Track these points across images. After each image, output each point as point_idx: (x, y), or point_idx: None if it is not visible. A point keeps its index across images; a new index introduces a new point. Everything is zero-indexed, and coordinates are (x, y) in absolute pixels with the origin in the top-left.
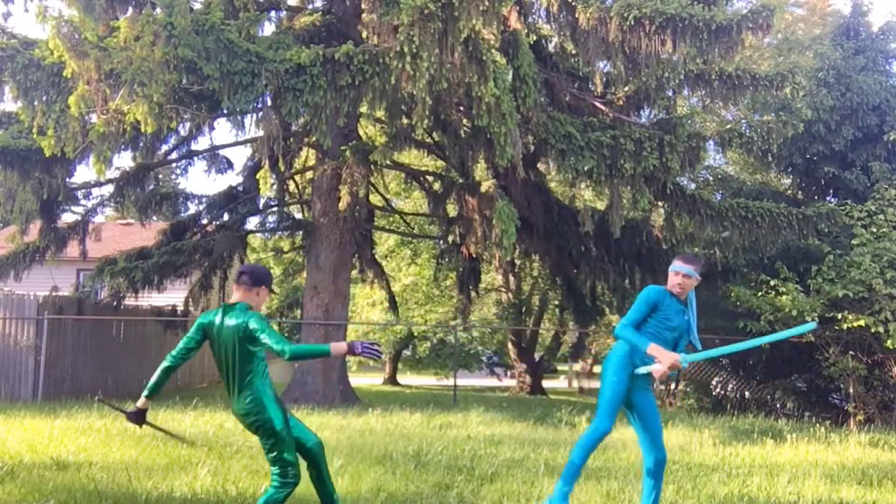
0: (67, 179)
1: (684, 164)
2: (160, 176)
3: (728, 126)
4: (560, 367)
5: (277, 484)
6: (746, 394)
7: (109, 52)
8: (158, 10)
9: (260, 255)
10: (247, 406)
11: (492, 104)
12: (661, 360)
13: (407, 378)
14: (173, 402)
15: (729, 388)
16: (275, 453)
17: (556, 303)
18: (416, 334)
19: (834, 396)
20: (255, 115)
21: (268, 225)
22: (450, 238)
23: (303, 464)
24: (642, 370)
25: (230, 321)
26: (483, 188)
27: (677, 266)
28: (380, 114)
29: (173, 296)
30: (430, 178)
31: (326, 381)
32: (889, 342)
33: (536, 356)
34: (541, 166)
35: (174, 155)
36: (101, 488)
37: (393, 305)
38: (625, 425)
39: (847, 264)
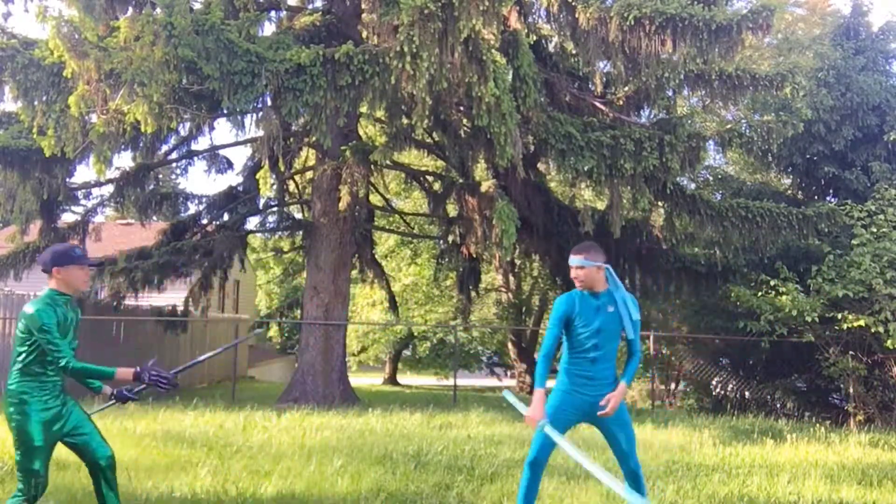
0: (67, 179)
1: (684, 164)
2: (160, 176)
3: (728, 126)
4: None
5: (18, 490)
6: (746, 394)
7: (109, 52)
8: (158, 10)
9: (260, 254)
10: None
11: (492, 104)
12: (531, 409)
13: (407, 378)
14: (173, 402)
15: (729, 388)
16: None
17: None
18: (416, 334)
19: (834, 396)
20: (255, 115)
21: (268, 225)
22: (450, 238)
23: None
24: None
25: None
26: (483, 188)
27: (570, 259)
28: (380, 114)
29: (173, 296)
30: (430, 178)
31: (326, 381)
32: (889, 342)
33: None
34: (541, 166)
35: (174, 155)
36: None
37: (393, 305)
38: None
39: (847, 264)
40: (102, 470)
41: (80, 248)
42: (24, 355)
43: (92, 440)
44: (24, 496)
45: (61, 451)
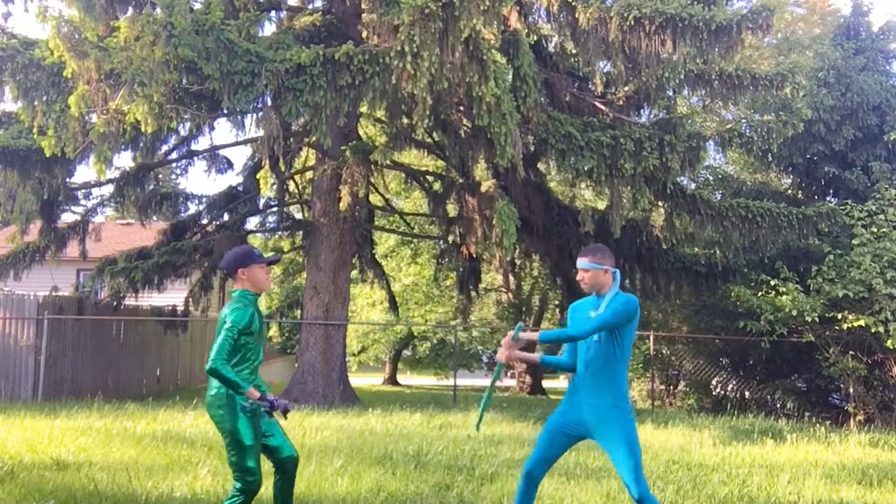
0: (67, 179)
1: (684, 163)
2: (160, 176)
3: (728, 126)
4: None
5: (235, 489)
6: (746, 394)
7: (109, 52)
8: (158, 10)
9: None
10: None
11: (492, 104)
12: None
13: (407, 378)
14: (173, 401)
15: (729, 388)
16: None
17: (556, 303)
18: (416, 334)
19: (834, 396)
20: (255, 115)
21: (268, 225)
22: (450, 238)
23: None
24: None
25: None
26: (483, 188)
27: (577, 261)
28: (380, 114)
29: (173, 296)
30: (430, 178)
31: (326, 381)
32: (889, 342)
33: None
34: (541, 166)
35: (174, 155)
36: (101, 488)
37: (393, 305)
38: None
39: (847, 264)
40: (289, 471)
41: (258, 248)
42: None
43: (281, 441)
44: (241, 496)
45: (61, 451)
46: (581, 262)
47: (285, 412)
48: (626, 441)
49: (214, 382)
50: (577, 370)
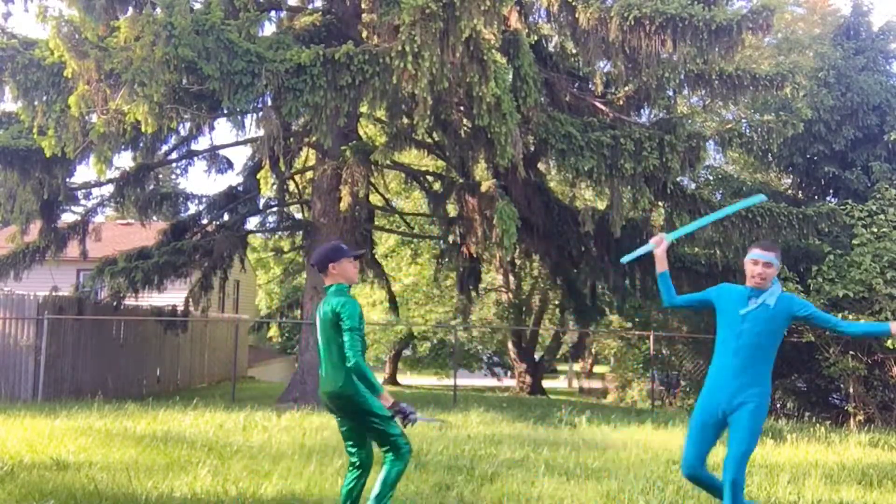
0: (67, 179)
1: (684, 163)
2: (160, 176)
3: (728, 126)
4: (560, 367)
5: (392, 457)
6: None
7: (109, 52)
8: (158, 10)
9: (260, 254)
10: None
11: (492, 104)
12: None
13: (407, 378)
14: (173, 401)
15: None
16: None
17: (556, 303)
18: (416, 334)
19: (834, 396)
20: (255, 115)
21: (268, 225)
22: (450, 238)
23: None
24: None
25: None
26: (483, 188)
27: (755, 253)
28: (380, 114)
29: (173, 296)
30: (430, 178)
31: None
32: (889, 342)
33: (536, 356)
34: (541, 166)
35: (174, 155)
36: (101, 488)
37: (393, 305)
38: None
39: (847, 264)
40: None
41: (345, 243)
42: (337, 349)
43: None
44: (400, 462)
45: (61, 451)
46: (767, 255)
47: (413, 421)
48: (755, 429)
49: (336, 375)
50: (717, 361)
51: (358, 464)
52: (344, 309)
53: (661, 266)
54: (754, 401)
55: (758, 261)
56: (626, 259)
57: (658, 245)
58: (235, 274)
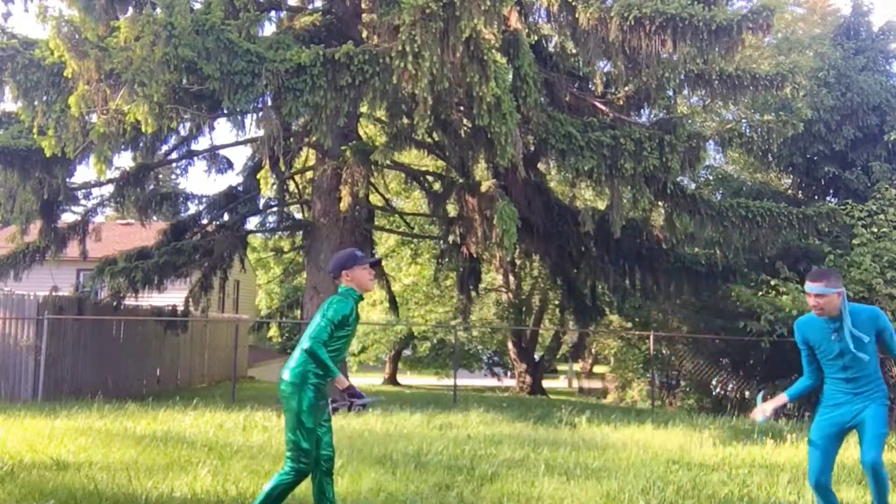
0: (67, 179)
1: (684, 163)
2: (160, 176)
3: (728, 126)
4: (560, 367)
5: (287, 468)
6: (746, 394)
7: (109, 52)
8: (158, 10)
9: (260, 254)
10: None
11: (492, 104)
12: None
13: (407, 378)
14: (173, 401)
15: (729, 388)
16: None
17: (556, 303)
18: (416, 334)
19: None
20: (255, 115)
21: (268, 225)
22: (450, 238)
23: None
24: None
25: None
26: (483, 188)
27: (808, 286)
28: (380, 114)
29: (173, 296)
30: (430, 178)
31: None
32: None
33: (536, 356)
34: (541, 166)
35: (174, 155)
36: (101, 488)
37: (393, 305)
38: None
39: (847, 264)
40: (322, 467)
41: (362, 251)
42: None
43: (328, 438)
44: (292, 475)
45: (61, 451)
46: (814, 286)
47: (360, 408)
48: (885, 418)
49: (294, 363)
50: (830, 383)
51: (321, 464)
52: (332, 302)
53: (782, 402)
54: (876, 398)
55: (809, 293)
56: (760, 420)
57: (765, 413)
58: (235, 274)
